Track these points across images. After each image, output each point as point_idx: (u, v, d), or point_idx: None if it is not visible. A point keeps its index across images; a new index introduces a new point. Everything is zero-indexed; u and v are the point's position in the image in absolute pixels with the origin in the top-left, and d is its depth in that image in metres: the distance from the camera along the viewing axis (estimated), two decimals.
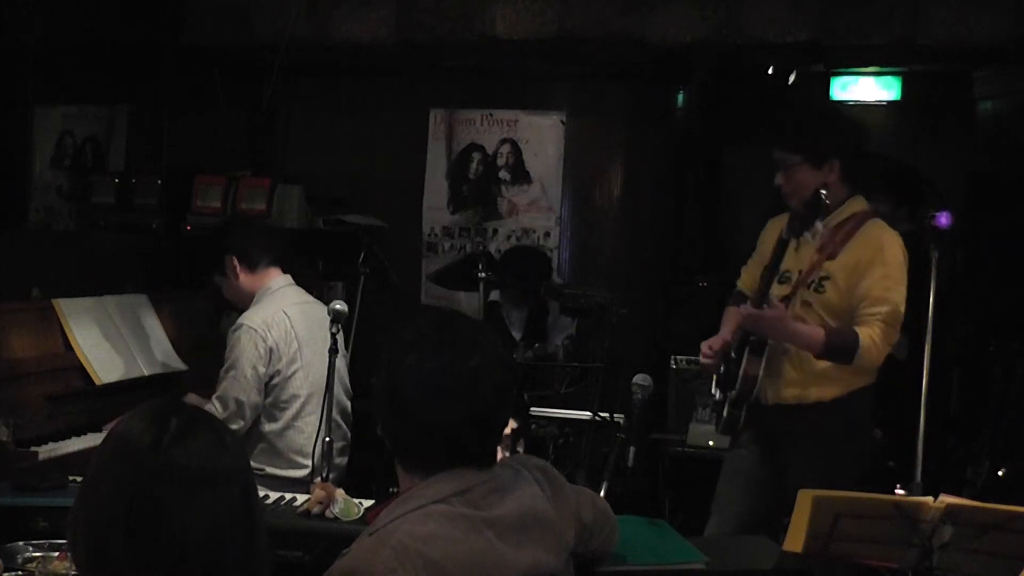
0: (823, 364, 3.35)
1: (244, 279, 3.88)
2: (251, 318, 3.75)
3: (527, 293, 5.17)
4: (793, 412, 3.40)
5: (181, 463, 1.47)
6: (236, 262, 3.87)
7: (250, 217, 5.22)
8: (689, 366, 5.08)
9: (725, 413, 3.48)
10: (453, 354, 1.89)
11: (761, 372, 3.37)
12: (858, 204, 3.43)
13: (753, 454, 3.52)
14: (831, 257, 3.36)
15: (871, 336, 3.24)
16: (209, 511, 1.47)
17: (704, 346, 3.55)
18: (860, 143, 3.60)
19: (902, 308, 3.31)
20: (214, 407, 3.70)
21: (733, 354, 3.45)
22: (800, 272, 3.39)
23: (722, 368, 3.51)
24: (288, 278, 3.94)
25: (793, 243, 3.43)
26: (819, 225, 3.36)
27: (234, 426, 3.65)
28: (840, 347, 3.26)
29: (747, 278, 3.71)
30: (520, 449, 3.93)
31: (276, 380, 3.73)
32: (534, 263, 5.37)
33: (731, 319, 3.59)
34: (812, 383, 3.38)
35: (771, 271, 3.41)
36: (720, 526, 3.49)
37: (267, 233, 4.13)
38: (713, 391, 3.58)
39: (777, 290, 3.40)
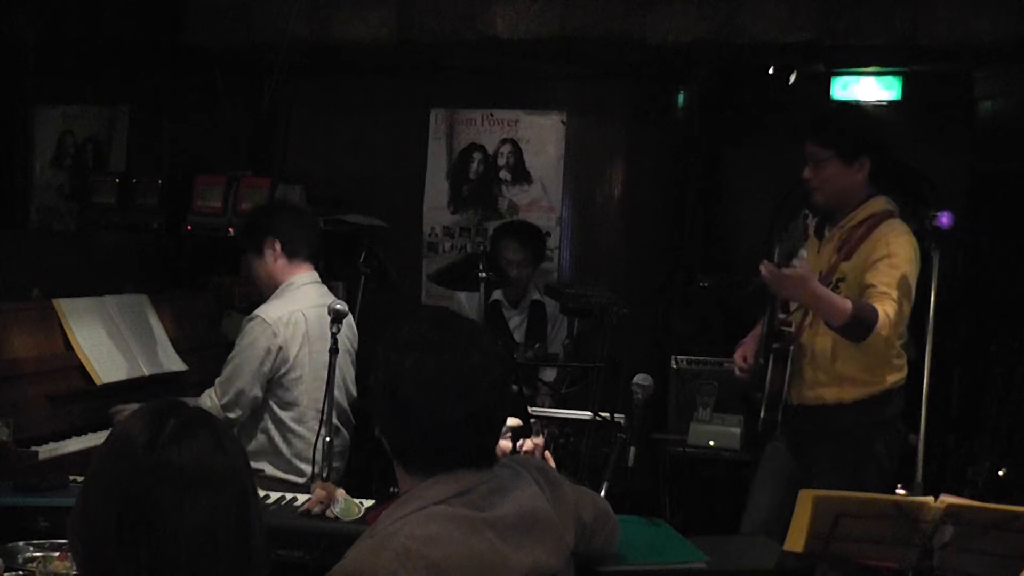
0: (842, 367, 3.37)
1: (279, 266, 3.78)
2: (268, 312, 3.69)
3: (524, 272, 5.13)
4: (815, 413, 3.43)
5: (175, 463, 1.47)
6: (279, 246, 3.76)
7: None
8: (690, 366, 5.09)
9: (763, 415, 3.49)
10: (453, 353, 1.89)
11: (787, 377, 3.41)
12: (877, 204, 3.43)
13: (786, 447, 3.58)
14: (847, 258, 3.38)
15: (886, 311, 3.19)
16: (202, 512, 1.47)
17: (739, 358, 3.60)
18: (888, 145, 3.61)
19: (912, 285, 3.28)
20: (214, 390, 3.69)
21: (761, 359, 3.47)
22: (821, 274, 3.38)
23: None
24: (315, 275, 3.85)
25: (815, 244, 3.47)
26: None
27: (231, 415, 3.64)
28: (862, 320, 3.18)
29: None
30: (537, 446, 3.92)
31: (282, 379, 3.69)
32: (531, 238, 5.31)
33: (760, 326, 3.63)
34: (832, 384, 3.40)
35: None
36: (752, 513, 3.56)
37: (313, 225, 4.00)
38: (756, 395, 3.58)
39: None
